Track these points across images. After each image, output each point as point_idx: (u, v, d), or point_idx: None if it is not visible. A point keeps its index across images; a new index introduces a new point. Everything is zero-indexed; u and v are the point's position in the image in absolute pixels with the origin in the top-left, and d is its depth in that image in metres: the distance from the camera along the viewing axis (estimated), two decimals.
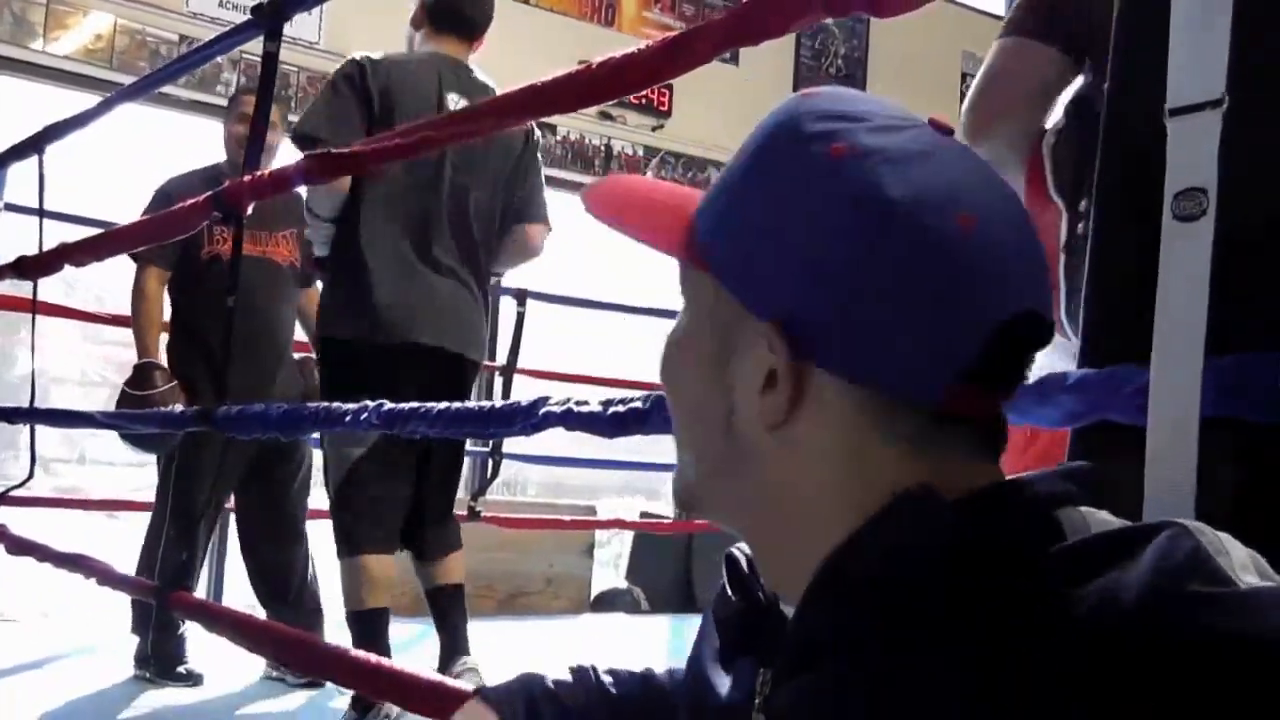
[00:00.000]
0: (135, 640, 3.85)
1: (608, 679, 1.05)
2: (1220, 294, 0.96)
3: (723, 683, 0.82)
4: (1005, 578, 0.65)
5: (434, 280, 3.14)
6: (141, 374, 3.75)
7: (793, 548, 0.74)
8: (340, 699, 3.35)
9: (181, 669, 3.75)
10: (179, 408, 3.43)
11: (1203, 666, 0.56)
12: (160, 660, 3.74)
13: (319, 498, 3.62)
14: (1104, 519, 0.69)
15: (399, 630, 3.35)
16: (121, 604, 3.93)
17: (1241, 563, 0.61)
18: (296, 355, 4.17)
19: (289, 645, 2.14)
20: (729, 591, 0.86)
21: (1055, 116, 2.00)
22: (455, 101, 3.16)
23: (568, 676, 1.05)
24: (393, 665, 1.88)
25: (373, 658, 1.90)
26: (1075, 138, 1.75)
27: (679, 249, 0.80)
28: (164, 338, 3.96)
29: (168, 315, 3.95)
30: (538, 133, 3.46)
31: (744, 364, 0.75)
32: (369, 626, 3.01)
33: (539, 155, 3.44)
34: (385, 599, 3.05)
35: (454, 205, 3.18)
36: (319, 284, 3.85)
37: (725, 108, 7.01)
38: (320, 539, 3.69)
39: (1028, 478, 0.72)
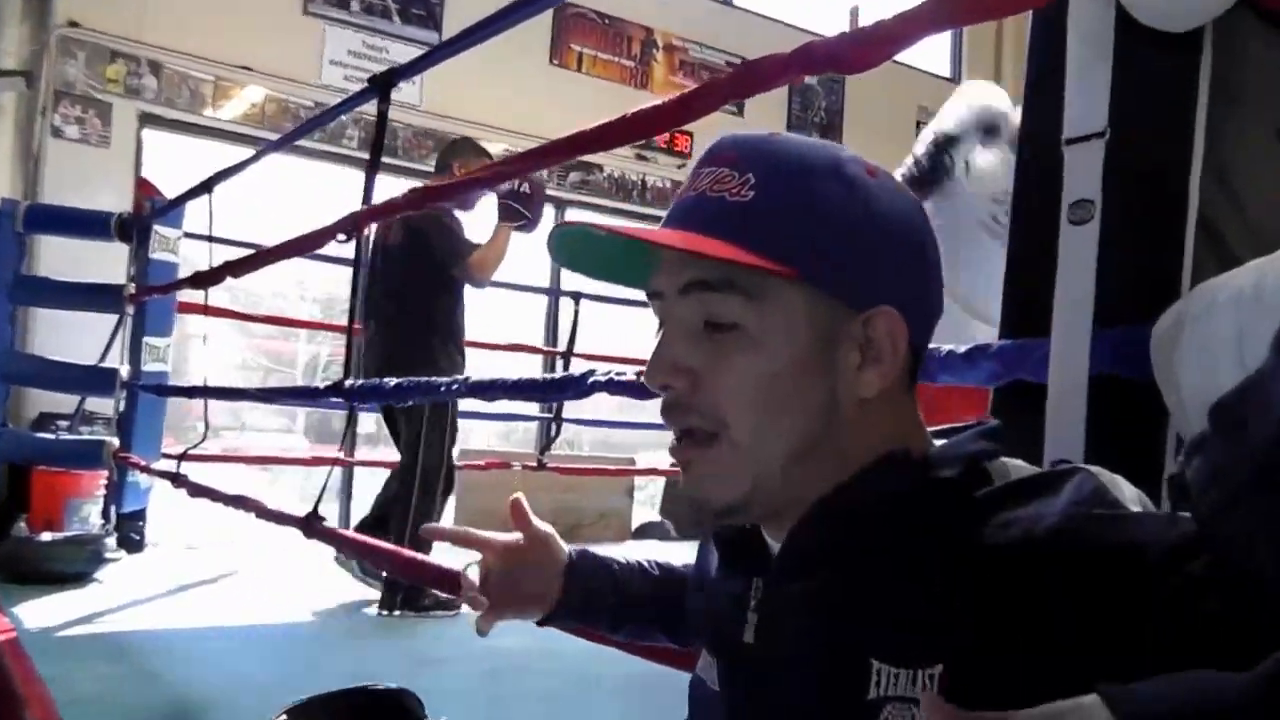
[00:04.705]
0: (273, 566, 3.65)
1: (647, 563, 1.04)
2: (1103, 281, 0.97)
3: (722, 587, 0.80)
4: (953, 511, 0.66)
5: None
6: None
7: (809, 489, 0.71)
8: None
9: (428, 600, 3.46)
10: None
11: (1102, 562, 0.59)
12: (409, 595, 3.46)
13: None
14: (1021, 465, 0.70)
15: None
16: (268, 533, 3.64)
17: (1130, 497, 0.64)
18: None
19: (397, 562, 2.17)
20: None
21: None
22: None
23: (620, 558, 1.04)
24: None
25: None
26: None
27: (771, 268, 0.68)
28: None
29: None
30: None
31: (846, 352, 0.70)
32: None
33: None
34: None
35: None
36: None
37: None
38: None
39: (962, 439, 0.72)
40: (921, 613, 0.64)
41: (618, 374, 1.72)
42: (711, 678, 0.80)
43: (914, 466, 0.70)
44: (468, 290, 3.71)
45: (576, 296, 5.57)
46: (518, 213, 3.46)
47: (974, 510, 0.66)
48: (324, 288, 8.25)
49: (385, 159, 6.61)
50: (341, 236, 2.52)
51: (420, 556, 2.07)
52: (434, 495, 3.51)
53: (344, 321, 3.52)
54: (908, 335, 0.71)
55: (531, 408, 6.18)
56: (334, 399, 2.65)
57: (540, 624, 1.03)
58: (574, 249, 0.77)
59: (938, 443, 0.74)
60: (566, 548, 1.01)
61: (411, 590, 3.46)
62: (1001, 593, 0.61)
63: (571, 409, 5.62)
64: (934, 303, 0.75)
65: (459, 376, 2.27)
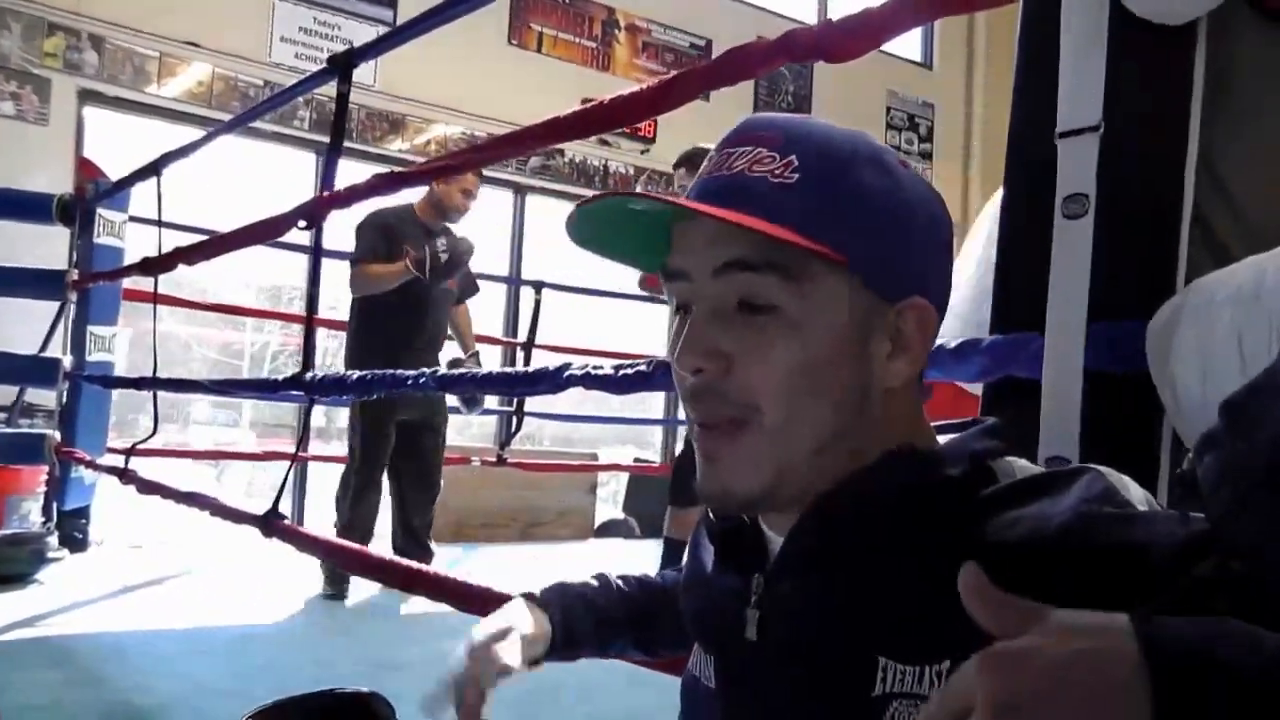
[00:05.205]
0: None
1: (620, 581, 1.03)
2: (1096, 276, 0.99)
3: (719, 584, 0.80)
4: (960, 508, 0.68)
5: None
6: None
7: (826, 482, 0.72)
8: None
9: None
10: None
11: (1112, 562, 0.60)
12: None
13: None
14: (1025, 465, 0.72)
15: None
16: (218, 531, 3.73)
17: (1138, 498, 0.66)
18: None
19: (361, 562, 2.16)
20: (712, 516, 0.82)
21: None
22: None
23: (593, 581, 1.02)
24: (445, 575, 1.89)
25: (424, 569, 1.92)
26: None
27: (826, 253, 0.69)
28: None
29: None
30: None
31: (878, 341, 0.72)
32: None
33: None
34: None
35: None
36: (468, 302, 4.19)
37: (697, 135, 6.98)
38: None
39: (967, 436, 0.74)
40: (928, 609, 0.64)
41: (594, 367, 1.72)
42: (707, 675, 0.80)
43: (921, 463, 0.72)
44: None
45: (538, 286, 5.55)
46: (421, 263, 3.63)
47: (981, 508, 0.67)
48: (270, 275, 8.17)
49: None
50: (303, 223, 2.51)
51: (371, 551, 2.05)
52: (354, 469, 3.78)
53: (291, 310, 3.50)
54: (936, 326, 0.74)
55: (490, 400, 6.16)
56: (293, 392, 2.63)
57: None
58: (586, 226, 0.77)
59: (941, 439, 0.76)
60: (546, 624, 0.97)
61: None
62: (1009, 590, 0.62)
63: (532, 402, 5.61)
64: (949, 294, 0.77)
65: (423, 370, 2.26)
